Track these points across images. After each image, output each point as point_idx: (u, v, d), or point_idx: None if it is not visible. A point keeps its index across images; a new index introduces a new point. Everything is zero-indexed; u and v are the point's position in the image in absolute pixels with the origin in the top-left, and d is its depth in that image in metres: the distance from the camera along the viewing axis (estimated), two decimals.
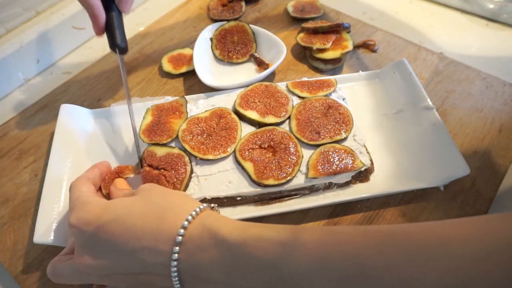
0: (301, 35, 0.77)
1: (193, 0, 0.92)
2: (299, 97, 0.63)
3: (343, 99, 0.64)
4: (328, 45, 0.72)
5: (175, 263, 0.36)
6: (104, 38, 0.60)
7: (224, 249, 0.36)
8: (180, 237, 0.37)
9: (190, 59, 0.75)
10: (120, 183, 0.51)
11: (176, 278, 0.37)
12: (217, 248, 0.36)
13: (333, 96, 0.64)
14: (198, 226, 0.38)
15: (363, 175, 0.57)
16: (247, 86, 0.65)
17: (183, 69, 0.75)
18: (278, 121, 0.60)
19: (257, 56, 0.73)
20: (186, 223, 0.38)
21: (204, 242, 0.36)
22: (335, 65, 0.74)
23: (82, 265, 0.39)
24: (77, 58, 0.84)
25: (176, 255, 0.36)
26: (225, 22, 0.77)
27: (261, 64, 0.73)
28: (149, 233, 0.38)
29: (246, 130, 0.60)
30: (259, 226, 0.38)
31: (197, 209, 0.40)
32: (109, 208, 0.40)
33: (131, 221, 0.38)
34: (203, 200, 0.55)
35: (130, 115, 0.60)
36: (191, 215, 0.39)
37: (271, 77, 0.74)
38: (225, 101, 0.63)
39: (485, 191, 0.58)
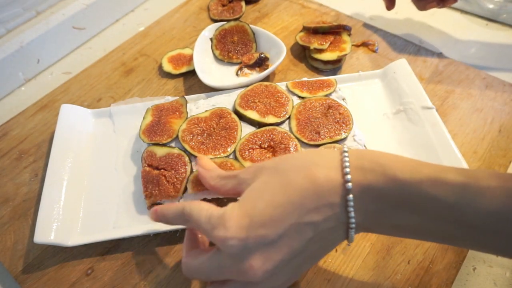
0: (301, 34, 0.77)
1: (193, 0, 0.92)
2: (299, 97, 0.63)
3: (343, 99, 0.64)
4: (326, 45, 0.72)
5: (350, 196, 0.35)
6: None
7: (397, 186, 0.35)
8: (348, 170, 0.35)
9: (190, 59, 0.75)
10: (207, 162, 0.48)
11: (352, 209, 0.35)
12: (388, 184, 0.35)
13: (333, 96, 0.64)
14: (359, 163, 0.36)
15: None
16: (247, 86, 0.65)
17: (183, 69, 0.75)
18: (278, 121, 0.60)
19: (264, 56, 0.73)
20: (347, 161, 0.36)
21: (375, 177, 0.35)
22: (334, 65, 0.74)
23: (251, 273, 0.35)
24: (77, 58, 0.84)
25: (350, 184, 0.35)
26: (225, 22, 0.77)
27: (261, 64, 0.73)
28: (308, 193, 0.36)
29: (246, 130, 0.59)
30: (430, 166, 0.36)
31: (345, 148, 0.38)
32: (252, 209, 0.37)
33: (284, 199, 0.36)
34: (203, 200, 0.55)
35: None
36: (343, 155, 0.37)
37: (271, 77, 0.74)
38: (225, 101, 0.63)
39: None
